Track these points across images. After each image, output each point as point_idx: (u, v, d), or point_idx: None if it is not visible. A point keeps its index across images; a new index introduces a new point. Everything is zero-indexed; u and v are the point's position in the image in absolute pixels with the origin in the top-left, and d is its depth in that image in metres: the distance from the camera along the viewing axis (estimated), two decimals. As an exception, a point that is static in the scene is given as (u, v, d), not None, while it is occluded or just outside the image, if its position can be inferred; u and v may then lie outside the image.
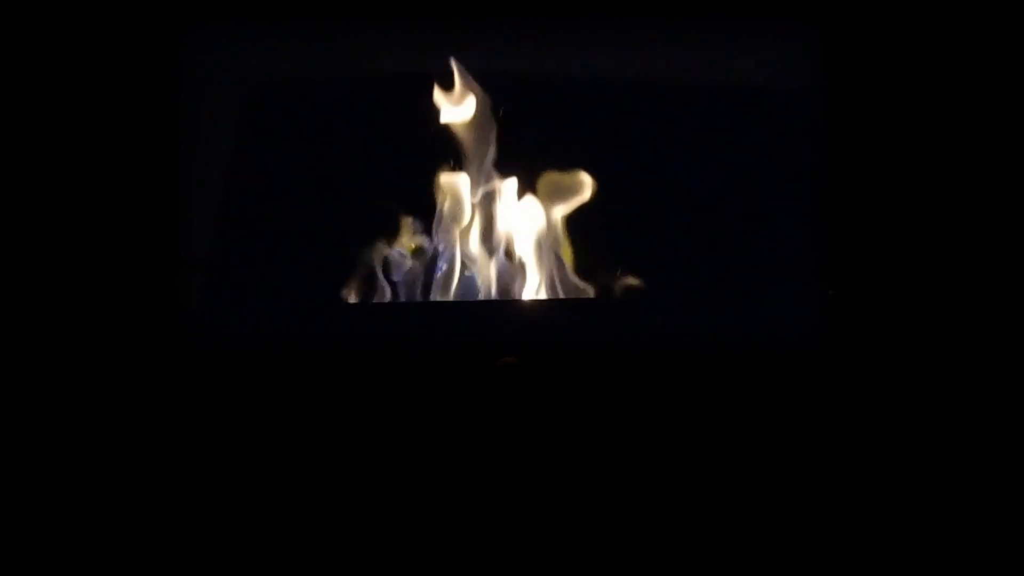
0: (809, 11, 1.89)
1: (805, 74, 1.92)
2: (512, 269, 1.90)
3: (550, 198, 1.90)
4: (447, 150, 1.93)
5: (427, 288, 1.92)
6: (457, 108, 1.88)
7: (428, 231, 1.92)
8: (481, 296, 1.91)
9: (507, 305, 1.89)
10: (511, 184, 1.90)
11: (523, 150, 1.94)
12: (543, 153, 1.95)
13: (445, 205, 1.90)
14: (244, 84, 1.93)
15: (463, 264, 1.90)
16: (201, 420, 1.79)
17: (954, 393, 1.81)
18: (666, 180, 1.95)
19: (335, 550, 1.76)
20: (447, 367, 1.80)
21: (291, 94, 1.94)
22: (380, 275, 1.90)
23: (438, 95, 1.88)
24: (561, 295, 1.89)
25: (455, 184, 1.90)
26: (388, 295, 1.91)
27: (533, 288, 1.91)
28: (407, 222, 1.91)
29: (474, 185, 1.90)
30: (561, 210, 1.91)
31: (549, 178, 1.90)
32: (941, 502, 1.78)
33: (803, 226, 1.90)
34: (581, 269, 1.90)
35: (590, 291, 1.89)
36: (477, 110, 1.87)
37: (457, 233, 1.89)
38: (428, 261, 1.92)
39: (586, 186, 1.89)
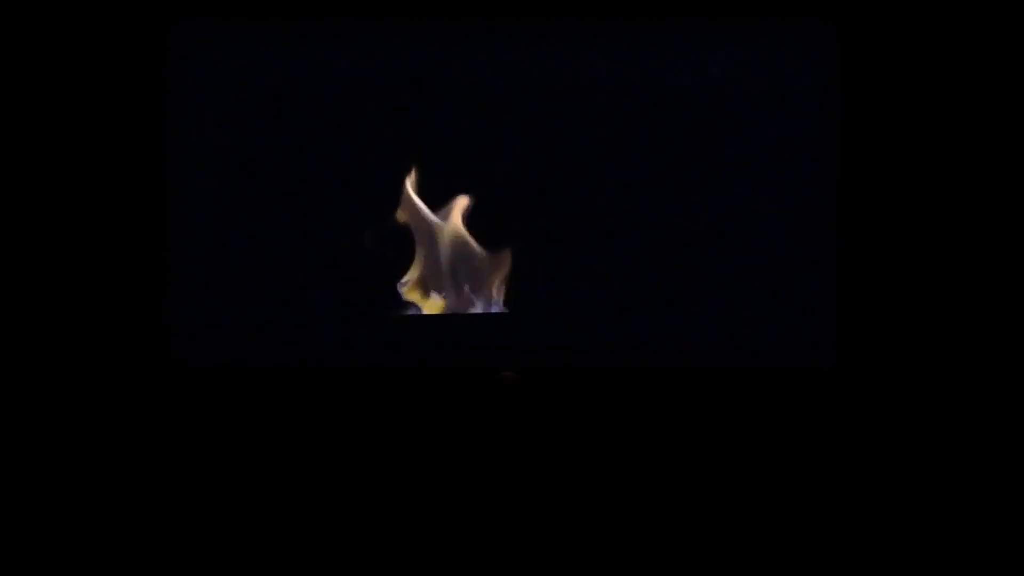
0: (814, 14, 1.88)
1: (810, 79, 1.91)
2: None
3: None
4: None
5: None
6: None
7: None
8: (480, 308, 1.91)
9: (506, 318, 1.89)
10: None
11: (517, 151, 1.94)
12: (546, 155, 1.95)
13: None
14: (243, 86, 1.92)
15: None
16: (193, 436, 1.79)
17: (963, 408, 1.81)
18: (669, 186, 1.94)
19: (329, 566, 1.76)
20: (444, 381, 1.80)
21: (290, 98, 1.93)
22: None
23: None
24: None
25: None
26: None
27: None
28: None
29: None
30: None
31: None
32: (948, 515, 1.78)
33: (810, 237, 1.89)
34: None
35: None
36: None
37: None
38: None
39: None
